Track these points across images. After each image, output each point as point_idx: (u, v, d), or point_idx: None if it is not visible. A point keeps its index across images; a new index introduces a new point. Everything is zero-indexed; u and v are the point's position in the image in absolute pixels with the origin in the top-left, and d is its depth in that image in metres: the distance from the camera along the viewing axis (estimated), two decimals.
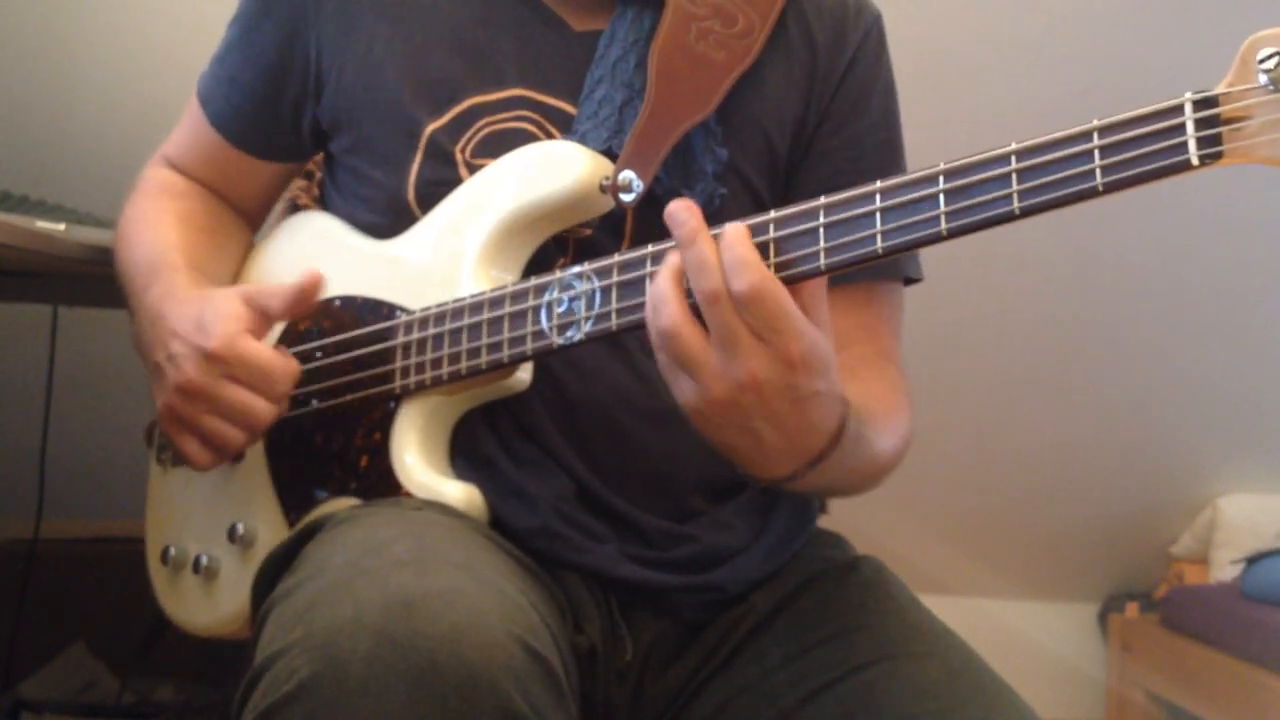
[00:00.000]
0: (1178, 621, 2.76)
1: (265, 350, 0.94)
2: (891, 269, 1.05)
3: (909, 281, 1.08)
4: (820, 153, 1.04)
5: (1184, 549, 2.96)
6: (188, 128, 1.16)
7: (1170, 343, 2.69)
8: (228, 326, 0.93)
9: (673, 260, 0.79)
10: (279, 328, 1.03)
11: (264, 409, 0.93)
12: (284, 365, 0.94)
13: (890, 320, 1.06)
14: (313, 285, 0.96)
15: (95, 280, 1.35)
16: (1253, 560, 2.63)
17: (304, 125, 1.09)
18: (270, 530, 1.01)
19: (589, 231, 0.98)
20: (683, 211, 0.78)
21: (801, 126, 1.04)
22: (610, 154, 0.96)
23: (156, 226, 1.09)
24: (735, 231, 0.78)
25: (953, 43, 2.32)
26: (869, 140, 1.05)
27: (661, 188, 0.97)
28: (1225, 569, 2.79)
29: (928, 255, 1.06)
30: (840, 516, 1.17)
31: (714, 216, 0.98)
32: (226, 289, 1.00)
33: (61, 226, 1.35)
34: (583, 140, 0.97)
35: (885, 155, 1.06)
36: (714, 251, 0.77)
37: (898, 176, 0.77)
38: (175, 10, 2.10)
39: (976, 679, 0.88)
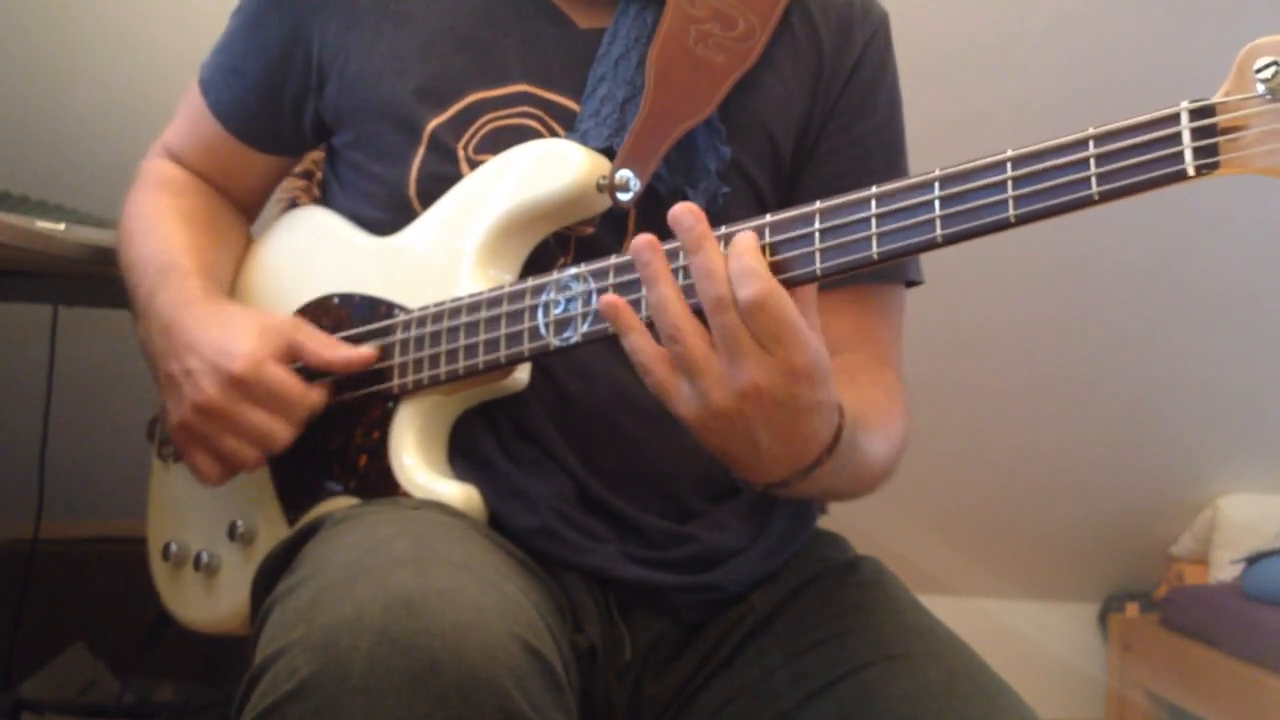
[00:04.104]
0: (1178, 621, 2.76)
1: (291, 377, 0.94)
2: (892, 272, 1.04)
3: (910, 284, 1.08)
4: (825, 153, 1.04)
5: (1184, 549, 2.96)
6: (188, 116, 1.16)
7: (1170, 343, 2.69)
8: (253, 350, 0.93)
9: (664, 268, 0.78)
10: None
11: (283, 432, 0.94)
12: (305, 393, 0.95)
13: (890, 323, 1.06)
14: (367, 362, 0.97)
15: (95, 280, 1.35)
16: (1253, 560, 2.63)
17: (306, 118, 1.09)
18: (270, 528, 1.01)
19: (590, 230, 0.98)
20: (687, 215, 0.77)
21: (807, 126, 1.04)
22: (611, 152, 0.96)
23: (161, 224, 1.09)
24: (744, 240, 0.77)
25: (952, 43, 2.32)
26: (874, 141, 1.05)
27: (665, 186, 0.97)
28: (1225, 569, 2.79)
29: (926, 256, 1.07)
30: (840, 516, 1.17)
31: (717, 215, 0.97)
32: (249, 311, 1.00)
33: (61, 226, 1.35)
34: (584, 138, 0.97)
35: (890, 156, 1.06)
36: (719, 257, 0.76)
37: (894, 182, 0.76)
38: (175, 10, 2.10)
39: (976, 679, 0.88)
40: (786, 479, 0.82)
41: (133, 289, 1.07)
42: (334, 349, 0.97)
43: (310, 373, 0.97)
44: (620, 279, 0.86)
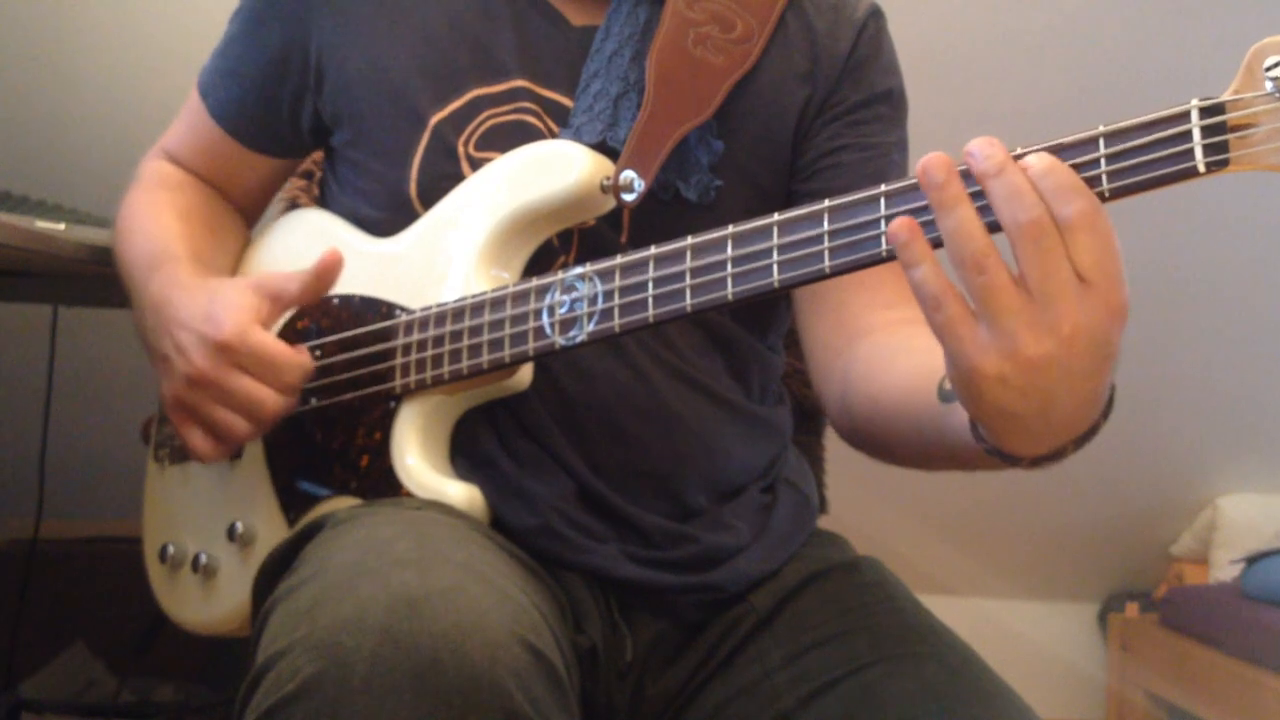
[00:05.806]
0: (1178, 621, 2.76)
1: (276, 342, 0.93)
2: None
3: None
4: (823, 123, 1.05)
5: (1184, 549, 2.96)
6: (187, 120, 1.16)
7: (1170, 343, 2.69)
8: (238, 317, 0.92)
9: (963, 190, 0.68)
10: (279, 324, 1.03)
11: (273, 400, 0.93)
12: (293, 357, 0.94)
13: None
14: (332, 266, 0.94)
15: (95, 280, 1.35)
16: (1253, 560, 2.63)
17: (304, 119, 1.09)
18: (269, 529, 1.01)
19: (590, 222, 0.98)
20: (985, 145, 0.68)
21: (803, 115, 1.04)
22: (605, 146, 0.96)
23: (156, 218, 1.09)
24: (1046, 158, 0.67)
25: (953, 43, 2.32)
26: (870, 114, 1.05)
27: (656, 182, 0.97)
28: (1225, 569, 2.79)
29: None
30: (840, 516, 1.17)
31: (710, 208, 0.99)
32: (235, 279, 1.00)
33: (61, 226, 1.35)
34: (578, 133, 0.97)
35: (888, 126, 1.06)
36: (1026, 179, 0.67)
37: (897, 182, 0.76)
38: (175, 10, 2.10)
39: (976, 679, 0.88)
40: (1061, 448, 0.73)
41: (128, 281, 1.07)
42: (303, 274, 0.94)
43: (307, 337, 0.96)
44: (626, 280, 0.86)
